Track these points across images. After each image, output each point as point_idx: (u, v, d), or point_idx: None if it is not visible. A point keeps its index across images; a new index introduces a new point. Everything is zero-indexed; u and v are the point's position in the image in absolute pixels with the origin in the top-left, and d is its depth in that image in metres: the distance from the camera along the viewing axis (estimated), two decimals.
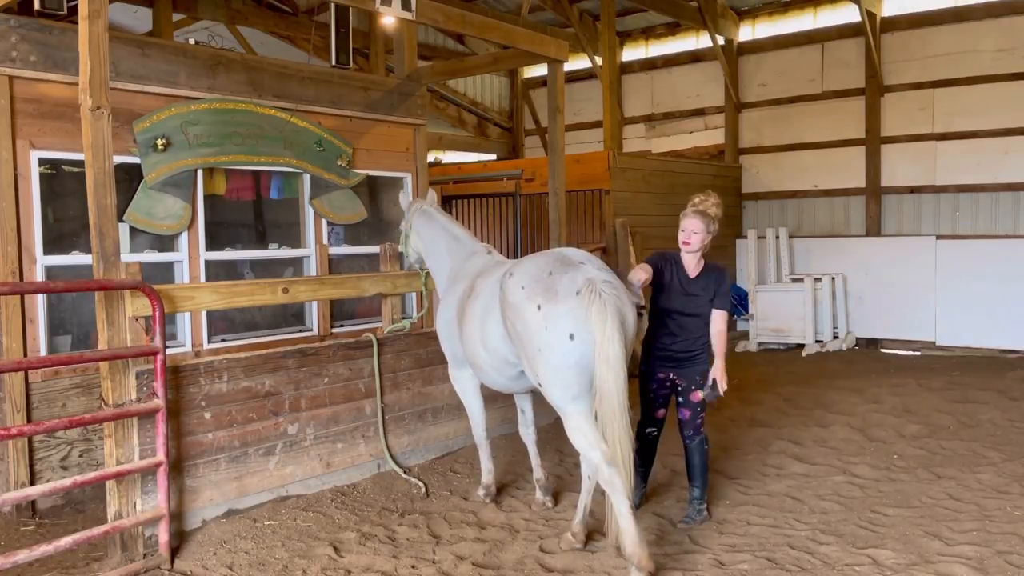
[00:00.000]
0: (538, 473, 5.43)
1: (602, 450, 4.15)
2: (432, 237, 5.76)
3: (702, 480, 5.07)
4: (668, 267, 4.96)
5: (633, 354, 4.84)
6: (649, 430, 5.18)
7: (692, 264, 4.95)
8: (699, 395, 4.94)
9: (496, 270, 5.03)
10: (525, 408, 5.48)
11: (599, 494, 4.78)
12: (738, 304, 12.83)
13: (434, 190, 6.34)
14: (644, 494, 5.39)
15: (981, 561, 4.32)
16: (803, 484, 5.71)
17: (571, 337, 4.19)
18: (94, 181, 4.38)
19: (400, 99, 8.08)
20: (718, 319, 4.92)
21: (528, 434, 5.49)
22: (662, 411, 5.16)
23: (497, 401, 6.13)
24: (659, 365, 5.03)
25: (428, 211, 5.88)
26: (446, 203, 11.94)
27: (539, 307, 4.28)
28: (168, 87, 6.28)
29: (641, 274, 4.76)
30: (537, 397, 5.44)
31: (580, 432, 4.28)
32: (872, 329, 12.06)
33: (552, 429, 6.79)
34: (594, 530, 4.78)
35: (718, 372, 4.84)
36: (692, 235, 4.85)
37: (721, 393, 4.87)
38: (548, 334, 4.25)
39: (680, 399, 5.03)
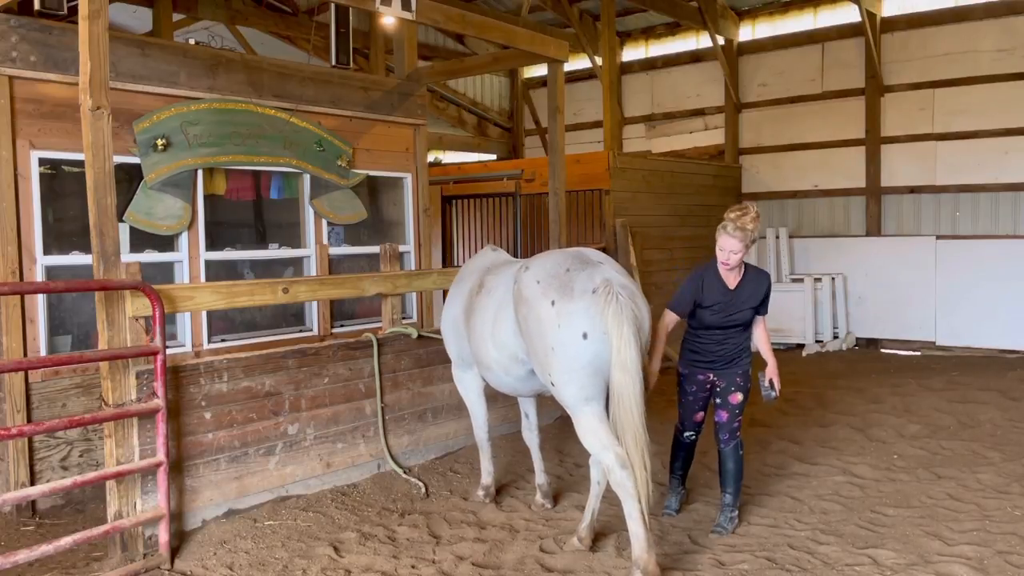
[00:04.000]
0: (540, 479, 5.41)
1: (616, 452, 4.09)
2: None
3: (735, 486, 4.93)
4: (705, 284, 4.80)
5: (665, 354, 4.88)
6: (688, 434, 5.15)
7: (731, 276, 4.78)
8: (738, 397, 4.87)
9: (509, 266, 4.96)
10: (529, 412, 5.44)
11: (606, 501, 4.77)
12: None
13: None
14: (684, 496, 5.35)
15: (981, 561, 4.32)
16: (803, 484, 5.71)
17: (584, 336, 4.13)
18: (94, 181, 4.37)
19: (400, 99, 8.08)
20: (762, 322, 4.92)
21: (532, 438, 5.44)
22: (701, 414, 5.08)
23: (497, 401, 6.12)
24: (700, 369, 4.95)
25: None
26: (446, 203, 11.96)
27: (553, 303, 4.21)
28: (168, 87, 6.28)
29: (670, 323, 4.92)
30: (542, 401, 5.41)
31: (593, 434, 4.21)
32: (872, 329, 12.06)
33: (551, 429, 6.79)
34: (600, 534, 4.77)
35: (773, 372, 4.84)
36: (731, 255, 4.64)
37: (777, 393, 4.86)
38: (561, 332, 4.18)
39: (718, 400, 4.92)
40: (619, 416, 4.11)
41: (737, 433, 4.92)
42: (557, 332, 4.20)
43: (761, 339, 4.94)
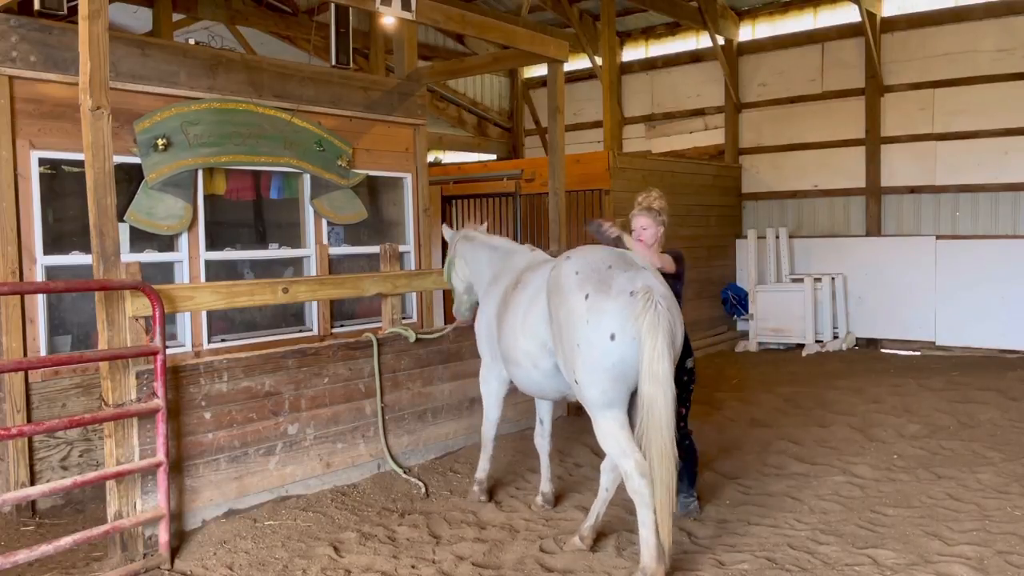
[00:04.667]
0: (545, 487, 5.40)
1: (636, 459, 4.02)
2: (474, 256, 5.69)
3: (687, 472, 5.06)
4: None
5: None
6: None
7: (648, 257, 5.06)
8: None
9: (547, 264, 4.93)
10: (544, 419, 5.42)
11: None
12: (738, 304, 12.83)
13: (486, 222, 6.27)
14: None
15: (981, 561, 4.32)
16: (803, 484, 5.71)
17: (612, 337, 4.03)
18: (94, 181, 4.37)
19: (400, 99, 8.08)
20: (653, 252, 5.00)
21: (544, 445, 5.42)
22: None
23: (501, 401, 6.10)
24: None
25: (471, 235, 5.83)
26: (446, 203, 11.96)
27: (587, 296, 4.13)
28: (168, 87, 6.28)
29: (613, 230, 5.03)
30: (557, 407, 5.40)
31: (613, 439, 4.15)
32: (872, 329, 12.07)
33: (552, 428, 6.78)
34: (600, 533, 4.77)
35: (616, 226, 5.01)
36: (642, 231, 5.15)
37: (603, 228, 5.02)
38: (589, 329, 4.09)
39: None
40: (648, 430, 3.98)
41: (679, 425, 4.97)
42: (585, 328, 4.11)
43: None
